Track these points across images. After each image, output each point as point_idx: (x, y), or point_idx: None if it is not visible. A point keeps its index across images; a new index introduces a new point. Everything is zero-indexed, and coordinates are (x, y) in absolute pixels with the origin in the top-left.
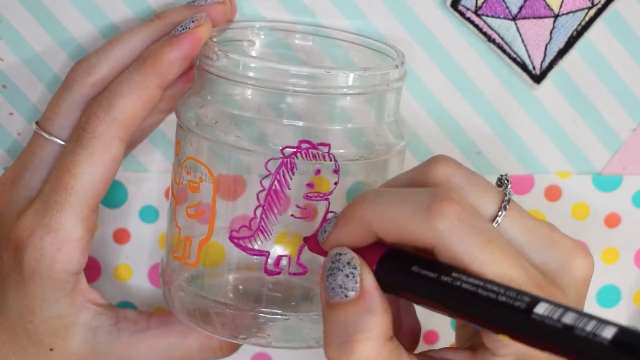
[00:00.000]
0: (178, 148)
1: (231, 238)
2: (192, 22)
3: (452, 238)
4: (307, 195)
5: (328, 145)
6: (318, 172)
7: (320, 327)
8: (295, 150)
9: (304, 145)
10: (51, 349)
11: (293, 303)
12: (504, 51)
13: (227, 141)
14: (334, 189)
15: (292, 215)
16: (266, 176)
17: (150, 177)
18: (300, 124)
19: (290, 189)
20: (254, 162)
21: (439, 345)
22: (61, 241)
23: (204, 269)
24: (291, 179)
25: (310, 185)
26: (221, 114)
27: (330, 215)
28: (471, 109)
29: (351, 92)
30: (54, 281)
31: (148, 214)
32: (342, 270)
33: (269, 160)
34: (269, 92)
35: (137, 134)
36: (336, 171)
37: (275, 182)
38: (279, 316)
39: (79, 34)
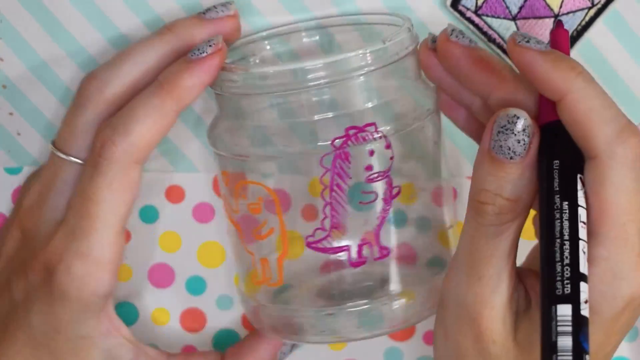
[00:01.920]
0: (225, 177)
1: (309, 244)
2: (210, 46)
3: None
4: (368, 179)
5: (373, 124)
6: (372, 153)
7: (398, 309)
8: (345, 138)
9: (351, 132)
10: None
11: (374, 289)
12: (504, 51)
13: (274, 153)
14: (392, 164)
15: (360, 202)
16: (324, 173)
17: (151, 177)
18: (332, 114)
19: (351, 177)
20: (306, 163)
21: None
22: (91, 265)
23: (288, 283)
24: (349, 168)
25: (368, 167)
26: (257, 130)
27: (395, 190)
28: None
29: (372, 68)
30: (82, 304)
31: (148, 214)
32: (515, 135)
33: (323, 157)
34: (294, 94)
35: None
36: (388, 146)
37: (335, 176)
38: (365, 306)
39: (79, 34)
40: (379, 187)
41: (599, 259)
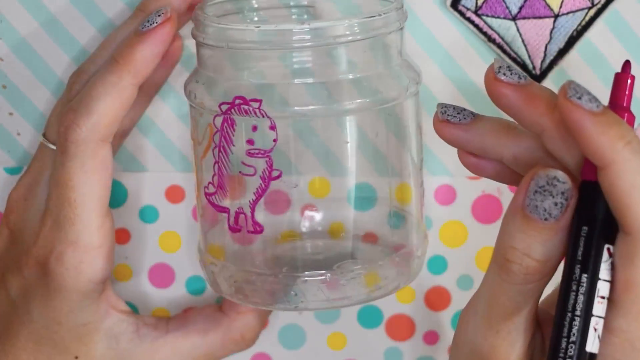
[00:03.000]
0: None
1: (205, 195)
2: (159, 15)
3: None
4: (249, 152)
5: (259, 101)
6: (255, 128)
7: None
8: (229, 105)
9: (237, 101)
10: (76, 357)
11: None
12: (504, 51)
13: (190, 102)
14: (274, 146)
15: (240, 172)
16: (215, 132)
17: (150, 177)
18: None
19: (234, 145)
20: (205, 118)
21: (439, 345)
22: (82, 253)
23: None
24: (233, 135)
25: (250, 141)
26: (202, 78)
27: (275, 173)
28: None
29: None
30: (80, 293)
31: (148, 214)
32: (553, 197)
33: (215, 117)
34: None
35: (120, 130)
36: (272, 128)
37: (222, 139)
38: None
39: (78, 34)
40: (259, 164)
41: (618, 330)
